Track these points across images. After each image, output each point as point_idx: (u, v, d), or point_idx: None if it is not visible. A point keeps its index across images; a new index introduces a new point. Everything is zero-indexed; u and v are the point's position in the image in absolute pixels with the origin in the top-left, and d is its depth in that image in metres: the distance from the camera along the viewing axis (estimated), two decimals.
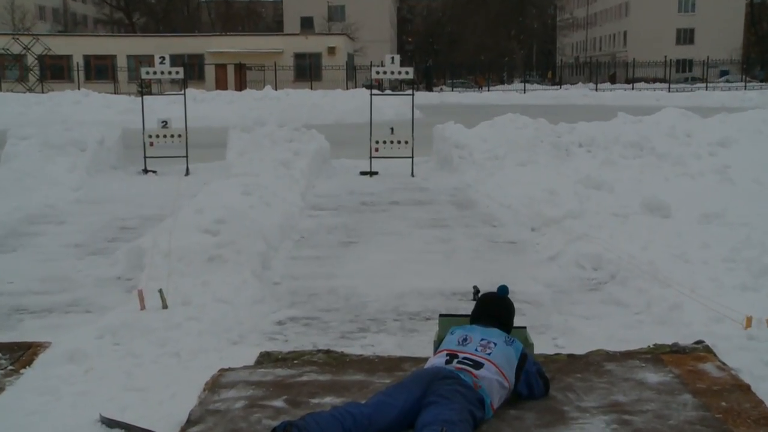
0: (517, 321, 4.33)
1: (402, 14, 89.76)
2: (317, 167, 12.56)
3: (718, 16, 75.15)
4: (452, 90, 53.20)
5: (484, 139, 13.20)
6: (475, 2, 76.60)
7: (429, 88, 55.38)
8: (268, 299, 5.87)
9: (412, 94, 13.90)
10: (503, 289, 4.01)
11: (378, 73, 13.30)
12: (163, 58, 12.90)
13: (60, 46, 50.00)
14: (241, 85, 48.76)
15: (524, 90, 48.84)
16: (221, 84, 50.20)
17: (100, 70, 50.76)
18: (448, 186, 11.72)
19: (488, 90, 52.11)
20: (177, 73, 12.93)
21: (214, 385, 3.79)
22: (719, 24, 74.44)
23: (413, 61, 74.45)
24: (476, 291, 4.23)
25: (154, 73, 12.88)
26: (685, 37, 77.84)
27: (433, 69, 67.79)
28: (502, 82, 69.32)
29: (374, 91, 13.87)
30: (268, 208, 8.33)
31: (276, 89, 37.35)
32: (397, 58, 13.21)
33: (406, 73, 13.13)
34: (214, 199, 7.99)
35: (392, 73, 13.08)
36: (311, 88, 41.38)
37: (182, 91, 14.12)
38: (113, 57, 51.06)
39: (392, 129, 13.19)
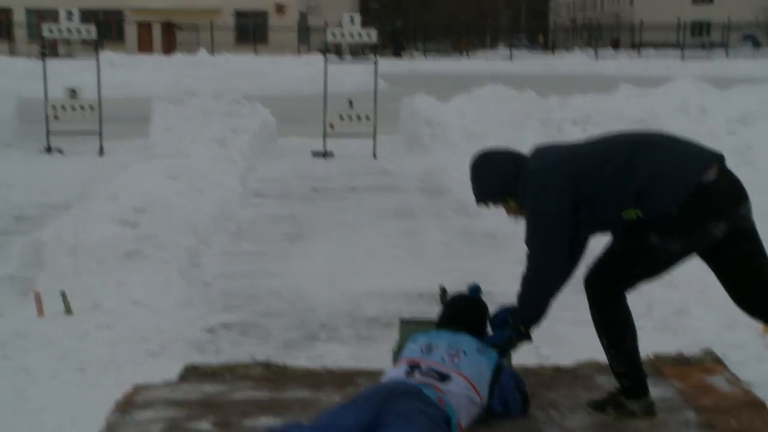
0: None
1: None
2: (260, 147, 12.53)
3: None
4: (425, 56, 53.30)
5: (461, 114, 13.28)
6: None
7: (397, 54, 55.45)
8: (196, 302, 5.86)
9: (375, 62, 13.86)
10: (474, 289, 4.04)
11: (334, 35, 13.25)
12: (71, 13, 12.73)
13: None
14: (169, 48, 48.39)
15: (510, 56, 49.20)
16: (145, 46, 49.85)
17: None
18: (417, 169, 11.77)
19: (467, 56, 52.40)
20: (88, 32, 12.78)
21: (127, 405, 3.76)
22: None
23: (379, 23, 74.37)
24: (443, 291, 4.25)
25: (59, 31, 12.71)
26: None
27: (402, 32, 67.87)
28: (484, 47, 69.66)
29: (330, 58, 13.83)
30: (200, 195, 8.30)
31: (213, 54, 37.17)
32: (357, 17, 13.20)
33: (369, 35, 13.13)
34: (133, 185, 7.92)
35: (351, 35, 13.08)
36: (255, 53, 41.23)
37: (95, 56, 13.90)
38: (8, 11, 50.20)
39: (351, 102, 13.18)
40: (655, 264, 3.55)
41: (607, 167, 3.52)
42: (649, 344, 4.90)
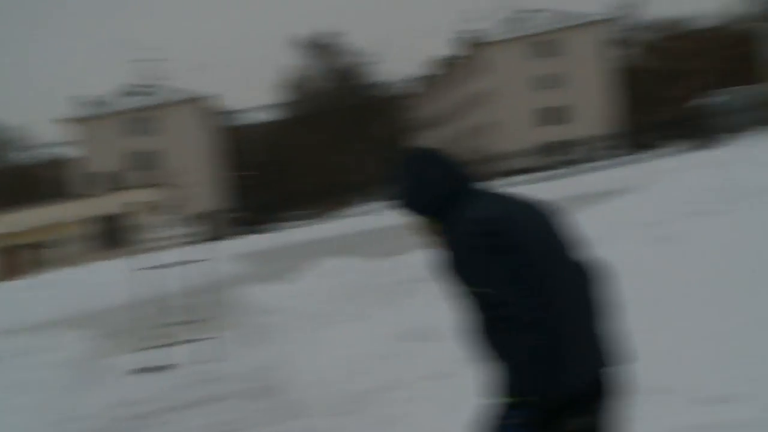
0: None
1: (238, 144, 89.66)
2: (78, 381, 11.32)
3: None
4: (290, 227, 52.41)
5: (295, 296, 12.58)
6: (308, 124, 78.27)
7: (260, 229, 55.14)
8: None
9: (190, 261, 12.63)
10: None
11: (149, 247, 12.26)
12: None
13: None
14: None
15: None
16: None
17: None
18: (253, 366, 10.76)
19: (339, 218, 52.16)
20: None
21: None
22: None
23: (252, 197, 74.61)
24: None
25: None
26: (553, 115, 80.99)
27: (270, 204, 68.08)
28: (360, 203, 70.23)
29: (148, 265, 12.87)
30: None
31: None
32: (171, 219, 12.44)
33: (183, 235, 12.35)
34: None
35: (169, 239, 12.30)
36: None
37: None
38: None
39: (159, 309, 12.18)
40: None
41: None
42: None
